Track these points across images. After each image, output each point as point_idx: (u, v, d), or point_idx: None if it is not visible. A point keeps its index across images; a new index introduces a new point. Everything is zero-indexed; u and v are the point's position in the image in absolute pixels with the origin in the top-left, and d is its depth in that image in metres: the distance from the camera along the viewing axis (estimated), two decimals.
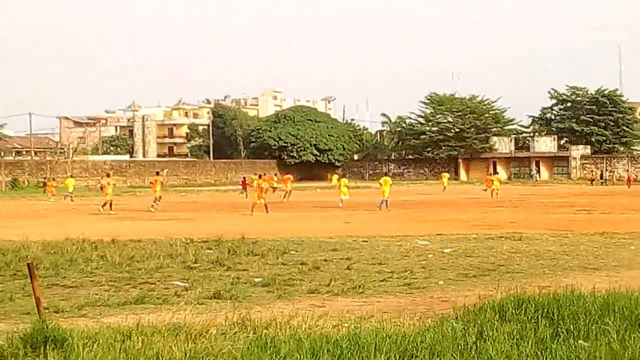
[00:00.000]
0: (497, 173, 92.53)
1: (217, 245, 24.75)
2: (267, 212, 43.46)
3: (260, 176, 51.92)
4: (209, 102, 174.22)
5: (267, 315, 12.32)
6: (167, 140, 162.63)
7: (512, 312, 11.34)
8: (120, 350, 9.55)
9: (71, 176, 79.37)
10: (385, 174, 66.11)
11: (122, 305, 14.86)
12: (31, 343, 10.06)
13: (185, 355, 9.43)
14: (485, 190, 68.56)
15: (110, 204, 47.44)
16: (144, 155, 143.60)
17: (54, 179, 79.43)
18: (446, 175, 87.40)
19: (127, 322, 11.41)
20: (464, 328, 10.59)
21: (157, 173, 58.80)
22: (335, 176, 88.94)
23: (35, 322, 10.69)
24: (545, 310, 11.35)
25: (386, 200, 48.33)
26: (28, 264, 11.39)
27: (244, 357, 9.21)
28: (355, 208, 47.97)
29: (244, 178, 78.42)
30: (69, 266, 20.25)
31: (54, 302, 15.17)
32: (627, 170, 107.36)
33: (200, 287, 16.77)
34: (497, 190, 65.95)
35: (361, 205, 51.14)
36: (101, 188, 54.63)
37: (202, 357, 9.41)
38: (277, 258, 21.92)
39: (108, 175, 55.98)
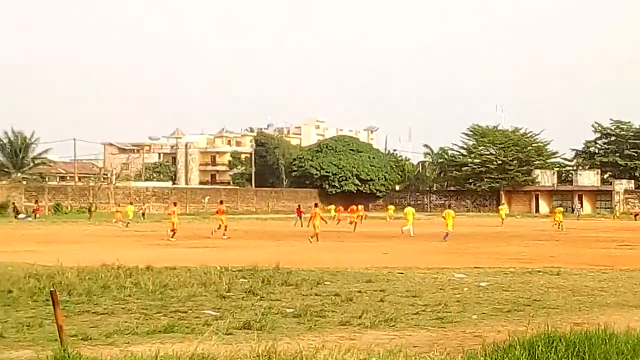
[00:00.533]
0: (560, 206, 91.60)
1: (252, 274, 24.61)
2: (317, 241, 44.44)
3: (316, 205, 52.89)
4: (252, 130, 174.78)
5: (295, 348, 12.14)
6: (209, 167, 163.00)
7: (542, 351, 11.09)
8: None
9: (131, 203, 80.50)
10: (449, 207, 66.55)
11: (151, 334, 14.72)
12: None
13: None
14: (555, 225, 69.57)
15: (174, 232, 48.67)
16: (186, 183, 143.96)
17: (119, 205, 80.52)
18: (503, 208, 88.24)
19: (151, 352, 11.30)
20: None
21: (222, 202, 60.40)
22: (392, 207, 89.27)
23: (57, 350, 10.60)
24: (577, 349, 11.09)
25: (448, 233, 48.67)
26: (51, 291, 11.33)
27: None
28: (394, 239, 47.71)
29: (299, 206, 79.07)
30: (102, 293, 20.18)
31: (83, 329, 15.10)
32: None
33: (231, 317, 16.61)
34: (561, 222, 69.51)
35: (401, 236, 50.91)
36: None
37: None
38: (311, 289, 21.73)
39: (175, 205, 56.83)
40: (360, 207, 78.55)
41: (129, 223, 68.01)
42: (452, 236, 48.58)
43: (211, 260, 28.89)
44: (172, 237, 48.07)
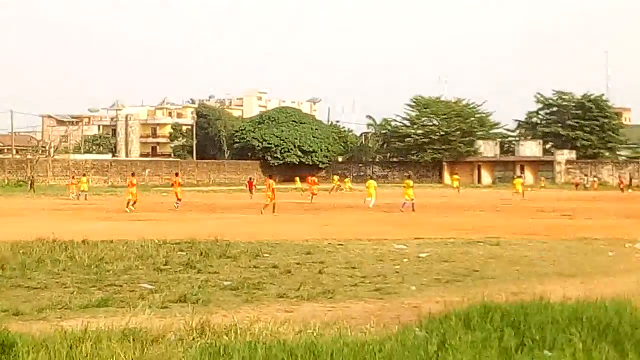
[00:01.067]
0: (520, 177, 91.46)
1: (190, 247, 24.32)
2: (273, 212, 44.67)
3: (270, 176, 53.00)
4: (193, 102, 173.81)
5: (229, 321, 11.92)
6: (150, 139, 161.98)
7: (477, 321, 11.00)
8: (66, 356, 9.20)
9: (84, 175, 79.70)
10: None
11: (85, 308, 14.45)
12: None
13: None
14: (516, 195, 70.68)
15: (134, 203, 49.40)
16: (126, 155, 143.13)
17: (73, 177, 79.74)
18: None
19: (82, 326, 11.04)
20: (426, 336, 10.27)
21: (177, 174, 61.39)
22: (335, 177, 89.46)
23: None
24: (512, 319, 11.02)
25: (407, 202, 48.88)
26: None
27: None
28: (335, 209, 47.65)
29: (250, 179, 79.13)
30: (36, 267, 19.79)
31: (15, 304, 14.79)
32: (621, 175, 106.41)
33: (166, 290, 16.38)
34: (520, 191, 71.47)
35: (340, 207, 50.92)
36: (172, 185, 57.01)
37: None
38: (249, 261, 21.53)
39: (133, 175, 57.69)
40: (335, 177, 79.09)
41: (86, 195, 67.62)
42: (387, 207, 48.96)
43: (149, 233, 28.46)
44: (131, 206, 48.70)
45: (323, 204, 55.78)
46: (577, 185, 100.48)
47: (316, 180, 71.95)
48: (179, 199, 52.03)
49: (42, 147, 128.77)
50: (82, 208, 52.90)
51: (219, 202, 54.19)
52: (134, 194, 50.76)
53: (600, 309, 11.46)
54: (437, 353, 9.38)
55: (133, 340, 10.33)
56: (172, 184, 56.02)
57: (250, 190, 72.21)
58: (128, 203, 49.54)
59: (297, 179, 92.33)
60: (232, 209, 51.30)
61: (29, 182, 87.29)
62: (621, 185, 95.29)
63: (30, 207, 54.55)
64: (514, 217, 42.77)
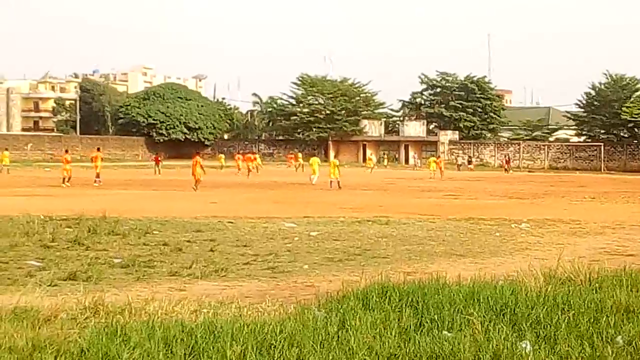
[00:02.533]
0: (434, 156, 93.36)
1: (77, 223, 23.89)
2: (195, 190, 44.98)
3: (198, 153, 52.66)
4: (76, 76, 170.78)
5: (123, 300, 11.64)
6: (32, 114, 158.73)
7: (376, 301, 10.97)
8: None
9: (6, 149, 78.99)
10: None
11: None
12: None
13: (27, 343, 8.75)
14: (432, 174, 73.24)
15: (69, 179, 49.91)
16: (7, 129, 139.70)
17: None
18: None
19: None
20: (326, 317, 10.20)
21: (98, 149, 61.56)
22: (222, 156, 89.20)
23: None
24: (410, 299, 11.01)
25: (333, 181, 50.55)
26: None
27: (91, 346, 8.59)
28: (220, 187, 47.45)
29: (157, 154, 79.35)
30: None
31: None
32: (506, 156, 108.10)
33: (55, 267, 16.04)
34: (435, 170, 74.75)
35: (225, 185, 50.71)
36: (92, 160, 56.59)
37: (46, 345, 8.72)
38: (139, 238, 21.24)
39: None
40: (256, 155, 79.38)
41: (8, 169, 67.74)
42: (273, 186, 49.17)
43: (34, 209, 27.83)
44: (67, 182, 49.17)
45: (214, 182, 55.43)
46: (459, 165, 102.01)
47: (254, 158, 74.55)
48: (98, 175, 51.82)
49: None
50: None
51: (105, 178, 53.29)
52: (68, 170, 50.79)
53: (496, 289, 11.55)
54: (337, 334, 9.30)
55: (24, 320, 10.02)
56: (93, 159, 55.23)
57: (157, 165, 72.61)
58: (64, 180, 49.60)
59: (222, 156, 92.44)
60: (118, 185, 50.59)
61: None
62: (506, 166, 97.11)
63: None
64: (401, 197, 43.12)
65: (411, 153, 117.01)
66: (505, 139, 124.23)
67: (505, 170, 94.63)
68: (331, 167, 51.96)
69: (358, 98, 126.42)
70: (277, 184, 55.49)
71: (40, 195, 39.19)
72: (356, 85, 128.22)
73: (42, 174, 68.17)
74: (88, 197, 38.51)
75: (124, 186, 48.70)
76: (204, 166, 47.93)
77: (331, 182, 50.31)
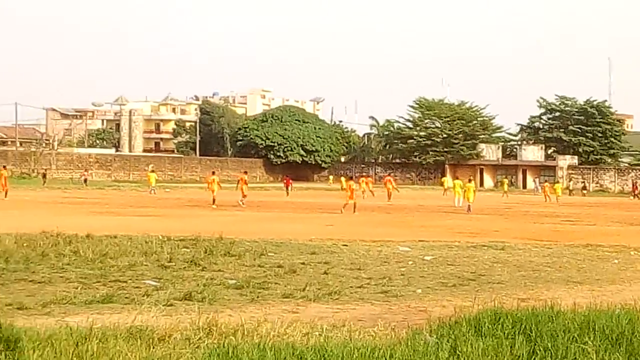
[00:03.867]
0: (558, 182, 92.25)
1: (194, 244, 24.21)
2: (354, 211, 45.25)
3: (351, 178, 54.33)
4: (197, 98, 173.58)
5: (236, 321, 11.78)
6: (153, 135, 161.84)
7: (488, 327, 10.85)
8: (72, 354, 9.06)
9: (152, 171, 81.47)
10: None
11: (89, 304, 14.32)
12: None
13: None
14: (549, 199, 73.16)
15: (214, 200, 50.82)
16: (129, 150, 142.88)
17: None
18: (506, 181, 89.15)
19: (88, 323, 10.91)
20: (437, 342, 10.13)
21: (213, 172, 61.88)
22: (343, 178, 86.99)
23: None
24: (523, 326, 10.85)
25: (470, 205, 51.36)
26: None
27: None
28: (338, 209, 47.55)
29: (287, 176, 79.60)
30: (40, 261, 19.68)
31: (19, 298, 14.69)
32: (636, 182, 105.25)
33: (171, 287, 16.24)
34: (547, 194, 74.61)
35: (346, 207, 50.78)
36: (207, 185, 57.49)
37: None
38: (254, 260, 21.40)
39: (213, 173, 59.22)
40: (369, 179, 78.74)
41: (154, 190, 70.56)
42: (390, 209, 48.90)
43: (153, 229, 28.38)
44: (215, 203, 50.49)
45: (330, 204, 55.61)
46: (570, 190, 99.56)
47: (369, 181, 74.01)
48: (244, 196, 52.75)
49: (46, 140, 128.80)
50: (85, 202, 52.82)
51: (223, 199, 53.87)
52: (214, 191, 52.11)
53: (612, 318, 11.30)
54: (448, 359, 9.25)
55: (139, 339, 10.20)
56: (239, 181, 56.09)
57: (287, 188, 72.56)
58: (214, 201, 51.01)
59: (343, 178, 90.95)
60: (235, 206, 51.14)
61: (42, 175, 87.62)
62: (636, 192, 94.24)
63: (39, 199, 54.58)
64: (517, 222, 42.62)
65: (531, 178, 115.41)
66: (626, 164, 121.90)
67: (635, 196, 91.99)
68: (469, 191, 52.36)
69: (475, 122, 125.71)
70: (392, 207, 55.32)
71: (159, 216, 39.85)
72: (474, 109, 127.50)
73: (162, 194, 69.36)
74: (204, 217, 39.01)
75: (257, 208, 49.07)
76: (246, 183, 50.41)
77: (469, 206, 50.87)
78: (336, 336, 10.84)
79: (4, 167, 63.43)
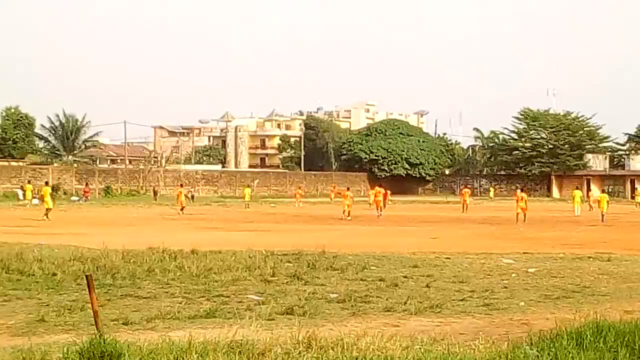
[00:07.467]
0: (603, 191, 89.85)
1: (297, 258, 24.39)
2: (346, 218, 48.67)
3: (348, 188, 57.11)
4: (301, 113, 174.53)
5: (336, 334, 11.81)
6: (259, 151, 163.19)
7: (590, 340, 10.70)
8: None
9: (248, 186, 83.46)
10: (466, 187, 67.41)
11: (192, 318, 14.54)
12: (87, 357, 9.77)
13: None
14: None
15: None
16: (236, 166, 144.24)
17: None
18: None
19: (190, 337, 11.06)
20: (538, 355, 10.04)
21: (348, 188, 62.96)
22: (467, 190, 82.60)
23: (93, 335, 10.42)
24: (627, 339, 10.68)
25: (604, 215, 52.71)
26: (87, 275, 11.12)
27: None
28: (443, 223, 47.43)
29: (385, 190, 75.81)
30: (146, 276, 20.08)
31: (124, 313, 14.99)
32: None
33: (274, 301, 16.38)
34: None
35: (448, 220, 50.54)
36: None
37: None
38: (356, 273, 21.46)
39: (348, 189, 60.77)
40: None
41: (248, 204, 71.75)
42: (494, 221, 48.54)
43: (257, 244, 28.60)
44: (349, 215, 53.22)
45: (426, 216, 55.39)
46: None
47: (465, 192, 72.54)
48: (348, 211, 54.30)
49: (155, 157, 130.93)
50: (195, 218, 53.53)
51: (327, 213, 54.00)
52: (349, 205, 54.42)
53: None
54: None
55: (239, 353, 10.31)
56: (343, 196, 58.17)
57: (384, 202, 69.69)
58: (348, 213, 53.70)
59: (467, 191, 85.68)
60: (339, 220, 51.28)
61: (153, 191, 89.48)
62: None
63: (149, 216, 55.54)
64: (625, 232, 41.88)
65: None
66: None
67: None
68: (602, 201, 54.09)
69: (581, 132, 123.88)
70: (496, 218, 54.83)
71: (263, 231, 40.19)
72: (580, 119, 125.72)
73: (268, 209, 69.93)
74: (306, 232, 39.20)
75: (360, 222, 49.30)
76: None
77: (603, 215, 51.97)
78: (436, 350, 10.81)
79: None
